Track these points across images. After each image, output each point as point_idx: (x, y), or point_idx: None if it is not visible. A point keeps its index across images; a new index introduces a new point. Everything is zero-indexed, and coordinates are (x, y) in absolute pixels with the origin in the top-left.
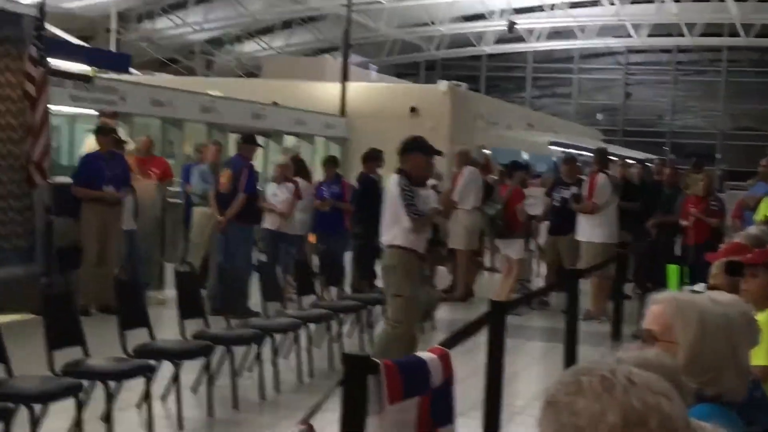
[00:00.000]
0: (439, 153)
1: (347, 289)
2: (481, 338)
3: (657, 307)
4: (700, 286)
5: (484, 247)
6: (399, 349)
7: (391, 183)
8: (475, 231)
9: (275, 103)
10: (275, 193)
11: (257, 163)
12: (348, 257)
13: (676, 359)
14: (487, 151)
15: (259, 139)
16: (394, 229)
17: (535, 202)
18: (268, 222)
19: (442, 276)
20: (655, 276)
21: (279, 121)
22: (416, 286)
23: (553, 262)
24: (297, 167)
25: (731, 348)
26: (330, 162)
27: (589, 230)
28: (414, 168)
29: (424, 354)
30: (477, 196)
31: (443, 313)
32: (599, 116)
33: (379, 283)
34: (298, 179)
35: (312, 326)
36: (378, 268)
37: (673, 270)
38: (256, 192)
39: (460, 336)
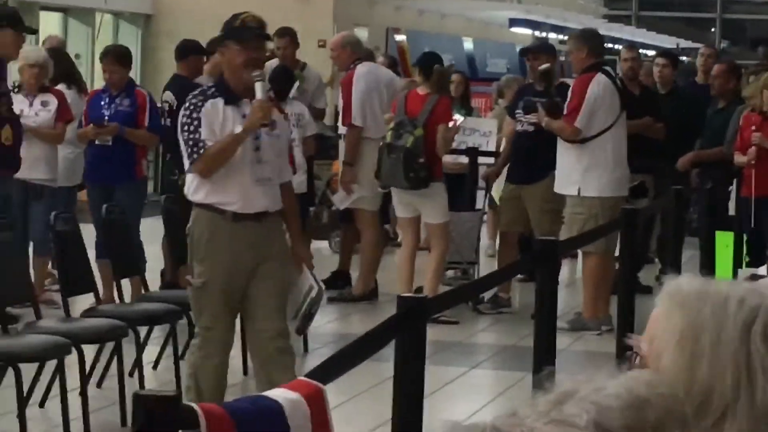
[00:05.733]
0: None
1: (152, 283)
2: (383, 370)
3: (657, 310)
4: (765, 269)
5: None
6: (208, 374)
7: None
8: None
9: None
10: (21, 113)
11: None
12: (151, 226)
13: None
14: (401, 38)
15: None
16: None
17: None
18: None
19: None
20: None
21: None
22: (232, 265)
23: (514, 228)
24: (61, 66)
25: (747, 376)
26: (116, 56)
27: (577, 174)
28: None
29: (280, 393)
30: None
31: (324, 322)
32: None
33: None
34: (63, 88)
35: (89, 348)
36: None
37: (724, 240)
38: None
39: (343, 361)
